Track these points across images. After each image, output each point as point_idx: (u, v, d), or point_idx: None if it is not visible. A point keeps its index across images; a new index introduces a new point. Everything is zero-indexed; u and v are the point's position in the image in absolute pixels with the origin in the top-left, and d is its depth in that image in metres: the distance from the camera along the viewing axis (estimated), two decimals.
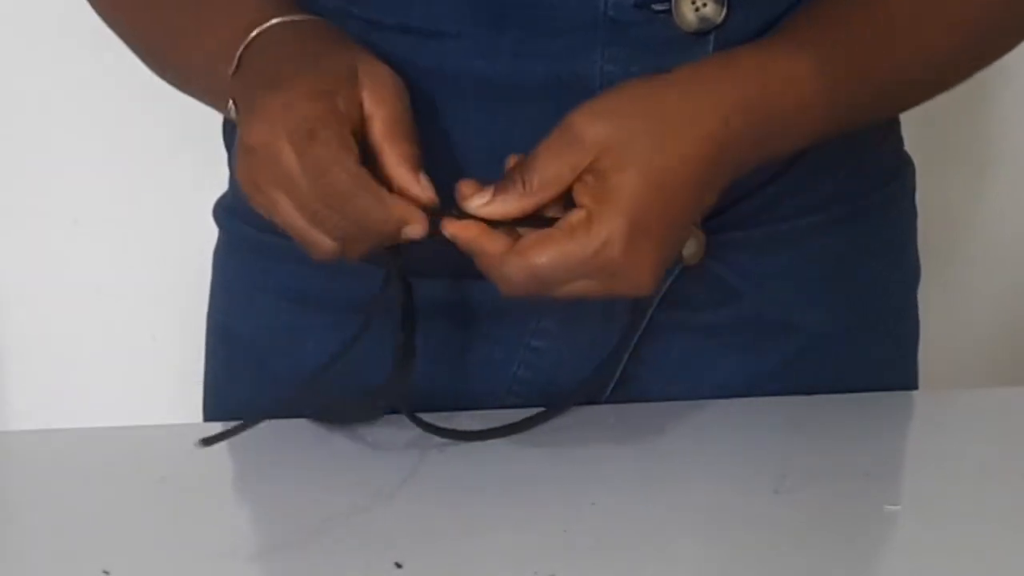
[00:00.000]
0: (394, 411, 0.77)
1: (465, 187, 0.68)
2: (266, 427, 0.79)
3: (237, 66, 0.71)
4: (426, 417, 0.76)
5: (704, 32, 0.72)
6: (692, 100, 0.68)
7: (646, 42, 0.72)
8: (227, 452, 0.80)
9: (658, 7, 0.71)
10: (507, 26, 0.72)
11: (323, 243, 0.68)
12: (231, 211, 0.86)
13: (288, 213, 0.68)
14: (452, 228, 0.68)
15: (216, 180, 0.88)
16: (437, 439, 0.75)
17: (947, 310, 1.43)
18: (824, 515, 0.68)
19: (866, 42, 0.72)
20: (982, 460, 0.74)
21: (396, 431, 0.76)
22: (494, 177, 0.69)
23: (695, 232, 0.77)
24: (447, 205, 0.68)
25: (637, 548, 0.65)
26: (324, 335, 0.81)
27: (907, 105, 0.79)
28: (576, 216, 0.66)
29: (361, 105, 0.68)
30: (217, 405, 0.89)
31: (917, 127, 0.82)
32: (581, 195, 0.66)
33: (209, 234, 0.89)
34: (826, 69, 0.70)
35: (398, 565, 0.63)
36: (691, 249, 0.77)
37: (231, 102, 0.71)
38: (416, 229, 0.67)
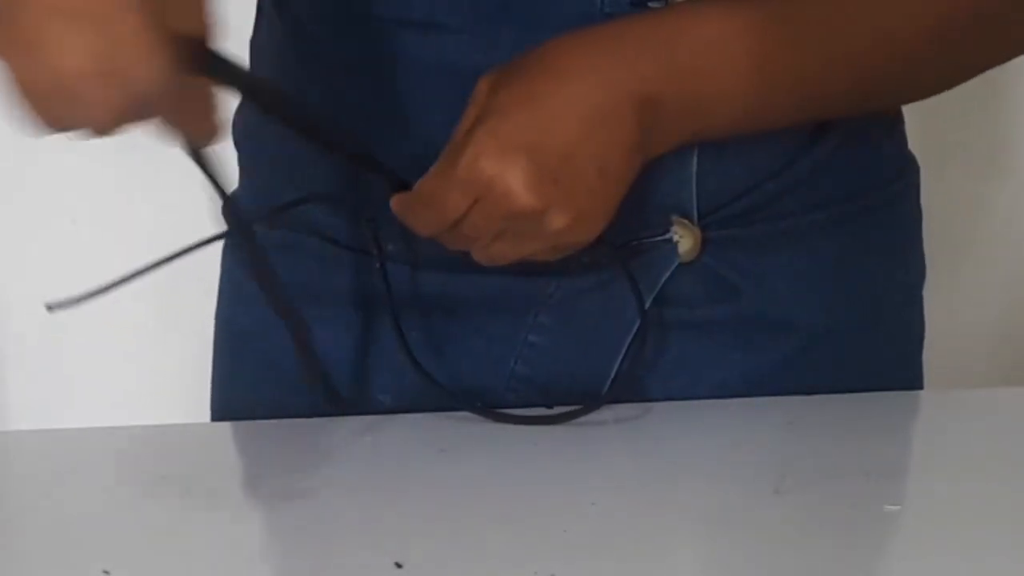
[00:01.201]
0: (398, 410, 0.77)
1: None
2: (266, 427, 0.79)
3: None
4: (426, 417, 0.76)
5: None
6: (579, 47, 0.69)
7: None
8: (228, 452, 0.80)
9: (654, 4, 0.71)
10: (506, 21, 0.72)
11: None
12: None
13: None
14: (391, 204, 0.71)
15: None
16: (437, 439, 0.75)
17: (951, 310, 1.43)
18: (824, 515, 0.68)
19: (815, 6, 0.71)
20: (983, 460, 0.74)
21: (396, 431, 0.76)
22: None
23: (691, 229, 0.77)
24: None
25: (637, 548, 0.65)
26: (329, 331, 0.81)
27: (880, 98, 0.78)
28: (453, 141, 0.68)
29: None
30: (224, 401, 0.89)
31: (921, 127, 0.82)
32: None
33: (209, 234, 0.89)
34: (738, 13, 0.69)
35: (398, 565, 0.63)
36: (686, 246, 0.77)
37: None
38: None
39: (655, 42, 0.69)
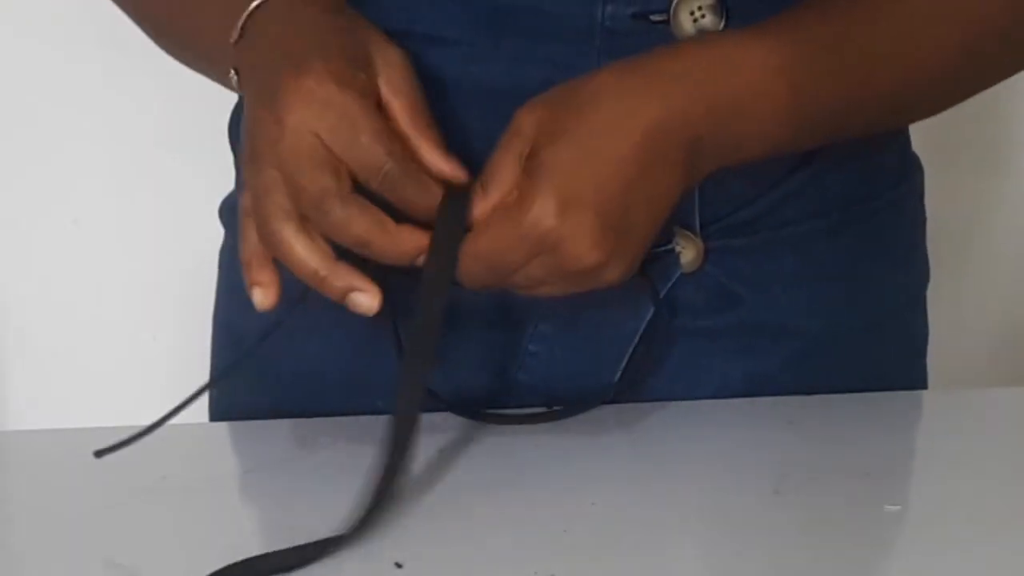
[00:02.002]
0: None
1: None
2: (266, 427, 0.79)
3: (241, 34, 0.70)
4: (426, 417, 0.76)
5: None
6: (630, 84, 0.67)
7: (643, 52, 0.71)
8: (227, 452, 0.80)
9: (656, 18, 0.71)
10: (506, 33, 0.72)
11: (311, 253, 0.67)
12: (236, 211, 0.86)
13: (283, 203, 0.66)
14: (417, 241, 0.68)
15: (217, 180, 0.88)
16: (437, 439, 0.75)
17: (947, 311, 1.43)
18: (824, 515, 0.68)
19: (836, 37, 0.71)
20: (983, 460, 0.74)
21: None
22: None
23: (693, 240, 0.77)
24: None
25: (637, 548, 0.65)
26: (327, 336, 0.81)
27: (907, 118, 0.79)
28: (511, 196, 0.66)
29: (378, 91, 0.67)
30: (222, 405, 0.89)
31: (925, 129, 0.81)
32: (522, 180, 0.67)
33: (210, 234, 0.89)
34: (781, 53, 0.69)
35: (398, 565, 0.63)
36: (688, 257, 0.78)
37: (232, 71, 0.70)
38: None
39: (699, 81, 0.67)
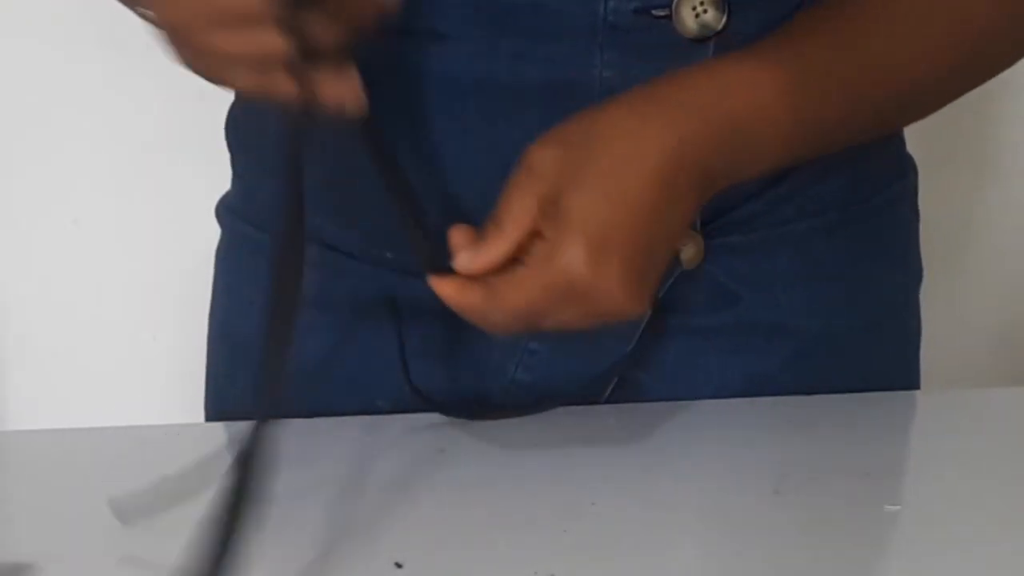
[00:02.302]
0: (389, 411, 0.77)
1: (455, 239, 0.68)
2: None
3: None
4: (425, 417, 0.76)
5: (704, 38, 0.72)
6: (641, 115, 0.67)
7: (645, 48, 0.71)
8: (228, 452, 0.80)
9: (658, 13, 0.71)
10: (507, 30, 0.72)
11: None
12: (233, 210, 0.86)
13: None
14: (435, 284, 0.68)
15: (216, 180, 0.88)
16: (437, 439, 0.75)
17: (947, 310, 1.43)
18: (824, 515, 0.68)
19: (835, 56, 0.71)
20: (982, 460, 0.74)
21: (396, 431, 0.76)
22: (493, 180, 0.68)
23: (692, 236, 0.77)
24: (444, 211, 0.68)
25: (637, 548, 0.65)
26: (325, 335, 0.81)
27: (896, 122, 0.79)
28: (539, 248, 0.66)
29: None
30: (218, 405, 0.89)
31: (918, 128, 0.82)
32: (544, 225, 0.66)
33: (209, 234, 0.89)
34: (785, 77, 0.69)
35: (398, 565, 0.63)
36: (689, 253, 0.78)
37: None
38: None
39: (707, 109, 0.67)
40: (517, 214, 0.66)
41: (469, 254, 0.67)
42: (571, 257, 0.65)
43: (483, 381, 0.80)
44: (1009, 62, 0.77)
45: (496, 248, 0.66)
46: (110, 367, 1.53)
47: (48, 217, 1.49)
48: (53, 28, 1.43)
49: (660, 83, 0.68)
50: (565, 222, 0.65)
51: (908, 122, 0.80)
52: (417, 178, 0.72)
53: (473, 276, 0.67)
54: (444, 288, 0.67)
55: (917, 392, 0.87)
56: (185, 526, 0.68)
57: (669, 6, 0.71)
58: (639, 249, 0.66)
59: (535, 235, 0.66)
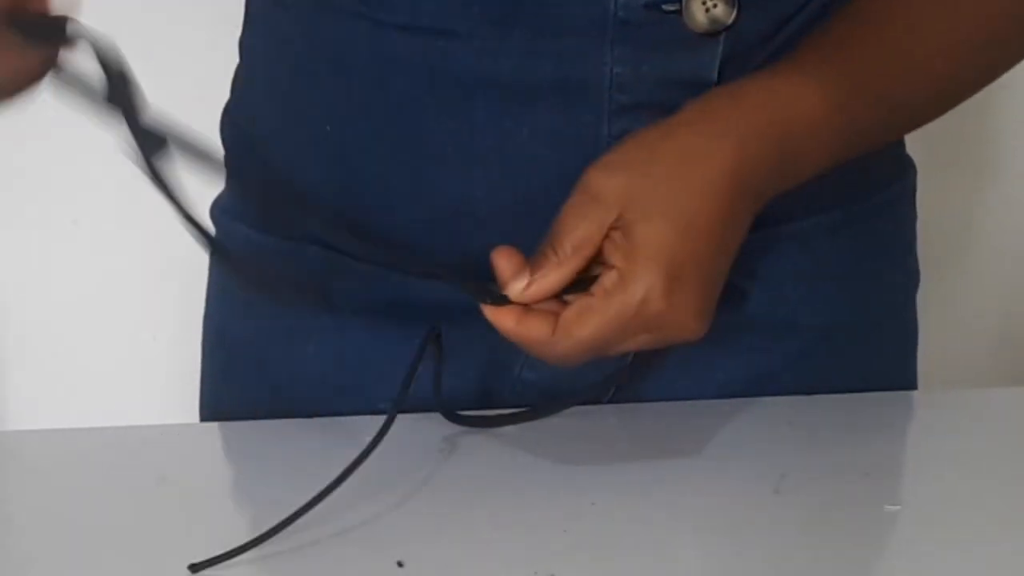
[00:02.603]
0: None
1: (502, 265, 0.67)
2: (266, 427, 0.79)
3: None
4: (426, 417, 0.76)
5: (714, 33, 0.72)
6: (704, 137, 0.67)
7: (656, 43, 0.71)
8: (227, 452, 0.80)
9: (668, 7, 0.71)
10: (516, 25, 0.71)
11: None
12: (227, 211, 0.86)
13: None
14: (492, 316, 0.67)
15: (216, 180, 0.88)
16: (437, 439, 0.75)
17: (947, 311, 1.43)
18: (824, 515, 0.68)
19: (873, 65, 0.72)
20: (982, 460, 0.74)
21: (397, 431, 0.76)
22: (502, 177, 0.68)
23: None
24: (454, 213, 0.68)
25: (637, 548, 0.65)
26: (325, 337, 0.81)
27: (920, 124, 0.79)
28: (609, 278, 0.65)
29: None
30: (214, 408, 0.89)
31: (919, 128, 0.82)
32: (611, 254, 0.66)
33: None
34: (832, 92, 0.69)
35: (400, 564, 0.63)
36: None
37: None
38: None
39: (764, 130, 0.68)
40: (579, 241, 0.66)
41: (524, 282, 0.66)
42: (649, 292, 0.65)
43: (489, 381, 0.80)
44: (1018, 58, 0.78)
45: (557, 276, 0.66)
46: (110, 367, 1.53)
47: (48, 217, 1.49)
48: None
49: (714, 99, 0.69)
50: (637, 253, 0.65)
51: (933, 119, 0.81)
52: (425, 174, 0.72)
53: (527, 304, 0.66)
54: (503, 321, 0.67)
55: (916, 392, 0.88)
56: (185, 526, 0.68)
57: (679, 1, 0.71)
58: (709, 277, 0.67)
59: (596, 263, 0.66)
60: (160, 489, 0.71)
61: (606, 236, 0.66)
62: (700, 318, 0.67)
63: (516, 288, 0.66)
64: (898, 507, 0.68)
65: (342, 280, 0.80)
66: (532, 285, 0.66)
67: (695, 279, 0.66)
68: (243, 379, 0.85)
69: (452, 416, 0.76)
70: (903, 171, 0.86)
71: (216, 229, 0.88)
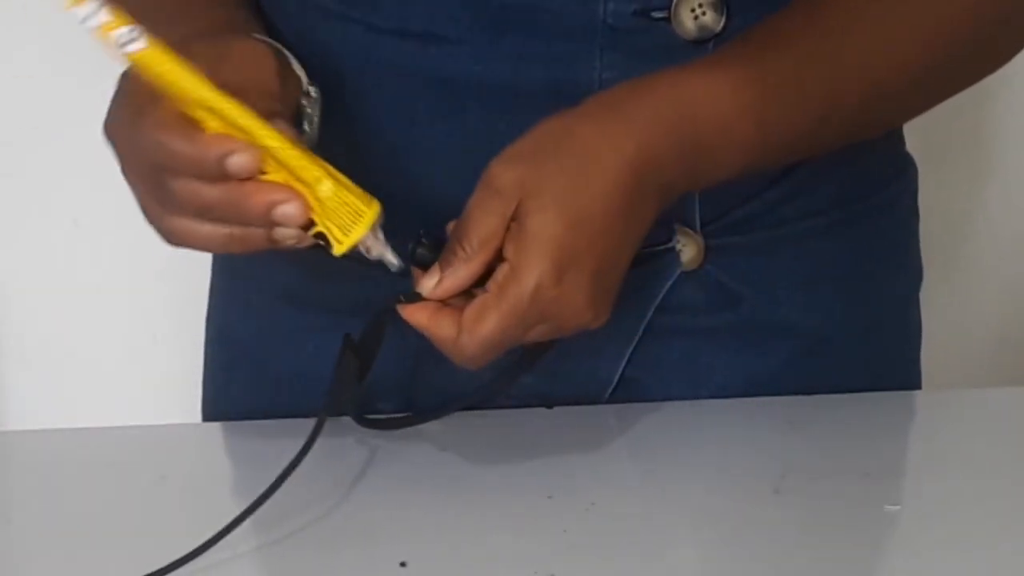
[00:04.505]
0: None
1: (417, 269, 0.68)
2: (266, 427, 0.79)
3: None
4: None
5: (703, 40, 0.72)
6: (604, 130, 0.67)
7: (645, 49, 0.71)
8: (227, 452, 0.80)
9: (657, 15, 0.71)
10: (506, 31, 0.72)
11: (184, 227, 0.72)
12: None
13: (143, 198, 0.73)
14: (406, 313, 0.68)
15: None
16: (437, 439, 0.75)
17: (948, 311, 1.43)
18: (824, 515, 0.68)
19: (795, 68, 0.70)
20: (982, 460, 0.74)
21: (398, 431, 0.76)
22: None
23: (693, 237, 0.77)
24: (447, 217, 0.68)
25: (637, 548, 0.65)
26: (326, 337, 0.81)
27: (874, 129, 0.79)
28: (502, 272, 0.66)
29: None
30: (216, 407, 0.89)
31: (918, 127, 0.82)
32: (506, 245, 0.66)
33: None
34: (744, 92, 0.69)
35: (403, 564, 0.63)
36: (689, 254, 0.78)
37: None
38: (292, 209, 0.65)
39: (669, 123, 0.67)
40: (485, 236, 0.66)
41: (434, 279, 0.67)
42: (540, 282, 0.65)
43: (483, 382, 0.80)
44: (990, 65, 0.77)
45: (466, 271, 0.66)
46: (110, 367, 1.53)
47: (48, 217, 1.49)
48: (53, 28, 1.43)
49: (620, 91, 0.68)
50: (528, 244, 0.65)
51: (891, 126, 0.80)
52: (417, 179, 0.72)
53: (441, 300, 0.67)
54: (417, 317, 0.67)
55: (917, 392, 0.87)
56: (185, 526, 0.68)
57: (668, 8, 0.71)
58: (601, 264, 0.66)
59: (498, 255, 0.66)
60: (160, 489, 0.71)
61: (507, 228, 0.66)
62: (594, 305, 0.66)
63: (427, 285, 0.67)
64: (898, 507, 0.68)
65: (341, 281, 0.80)
66: (443, 282, 0.67)
67: (587, 266, 0.66)
68: (244, 378, 0.85)
69: (361, 420, 0.75)
70: (902, 170, 0.86)
71: None
